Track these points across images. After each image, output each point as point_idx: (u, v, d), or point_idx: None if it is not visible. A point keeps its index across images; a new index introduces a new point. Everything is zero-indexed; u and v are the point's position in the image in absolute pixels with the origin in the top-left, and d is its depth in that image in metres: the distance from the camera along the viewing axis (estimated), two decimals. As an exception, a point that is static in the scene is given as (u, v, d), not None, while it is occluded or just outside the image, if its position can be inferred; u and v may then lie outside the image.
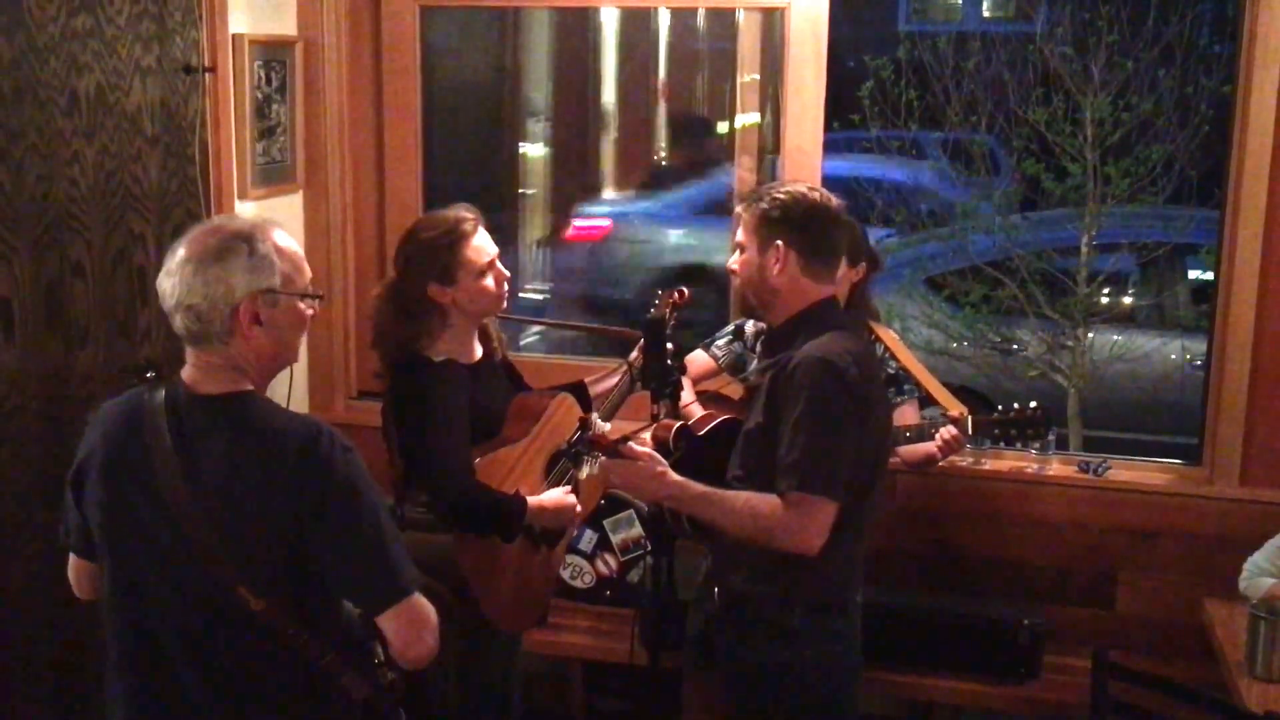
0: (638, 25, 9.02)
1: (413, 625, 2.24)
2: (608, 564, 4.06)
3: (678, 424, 3.10)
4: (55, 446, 3.30)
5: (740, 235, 2.94)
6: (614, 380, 3.41)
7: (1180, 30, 5.76)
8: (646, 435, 3.04)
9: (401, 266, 3.14)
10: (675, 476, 2.84)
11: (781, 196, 2.87)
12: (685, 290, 3.44)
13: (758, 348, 3.51)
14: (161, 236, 3.60)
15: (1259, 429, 3.74)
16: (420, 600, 2.25)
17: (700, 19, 8.55)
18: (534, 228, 8.94)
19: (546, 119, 9.38)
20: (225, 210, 3.80)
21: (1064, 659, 3.70)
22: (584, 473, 2.96)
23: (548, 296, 8.35)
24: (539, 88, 9.31)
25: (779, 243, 2.84)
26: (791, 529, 2.74)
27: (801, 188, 2.92)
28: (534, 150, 9.36)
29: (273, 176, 4.05)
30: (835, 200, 2.95)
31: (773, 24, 4.41)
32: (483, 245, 3.11)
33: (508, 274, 3.16)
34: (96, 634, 2.53)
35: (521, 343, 6.94)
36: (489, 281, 3.10)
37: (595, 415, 3.03)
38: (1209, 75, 5.78)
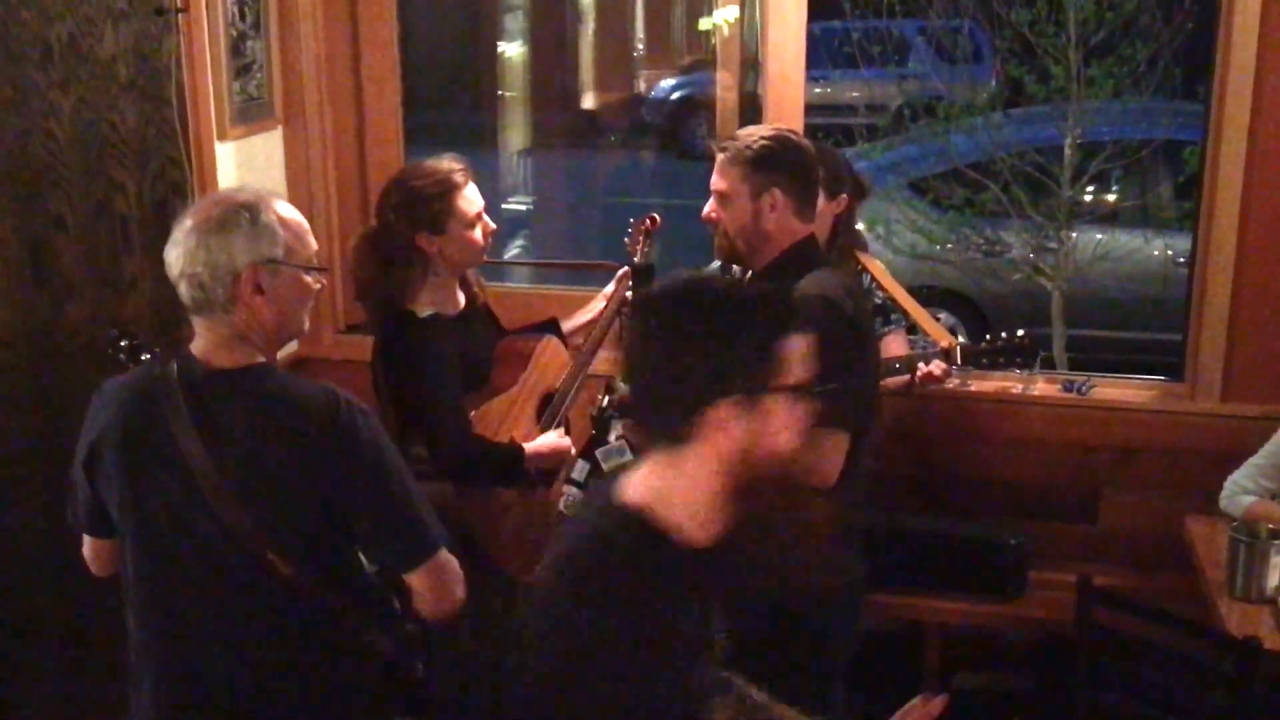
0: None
1: (443, 580, 2.31)
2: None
3: None
4: (49, 401, 3.34)
5: (721, 183, 2.91)
6: (588, 316, 3.44)
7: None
8: None
9: (390, 214, 3.13)
10: None
11: (769, 142, 2.87)
12: (656, 216, 3.48)
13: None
14: (142, 183, 3.58)
15: (1240, 345, 3.76)
16: (447, 555, 2.32)
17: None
18: (514, 132, 8.86)
19: (524, 13, 9.26)
20: (205, 152, 3.76)
21: (1048, 575, 3.78)
22: (613, 436, 3.00)
23: (530, 209, 8.30)
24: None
25: (775, 189, 2.85)
26: (810, 464, 2.74)
27: (782, 130, 2.94)
28: (512, 49, 9.26)
29: (251, 114, 4.00)
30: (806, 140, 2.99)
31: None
32: (473, 197, 3.12)
33: (493, 226, 3.17)
34: (99, 586, 2.58)
35: (505, 255, 6.94)
36: (476, 233, 3.12)
37: (618, 379, 3.05)
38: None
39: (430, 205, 3.07)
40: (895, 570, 3.75)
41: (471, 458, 3.05)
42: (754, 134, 2.91)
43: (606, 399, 3.02)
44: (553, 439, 3.23)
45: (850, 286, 2.92)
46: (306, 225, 2.38)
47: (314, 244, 2.38)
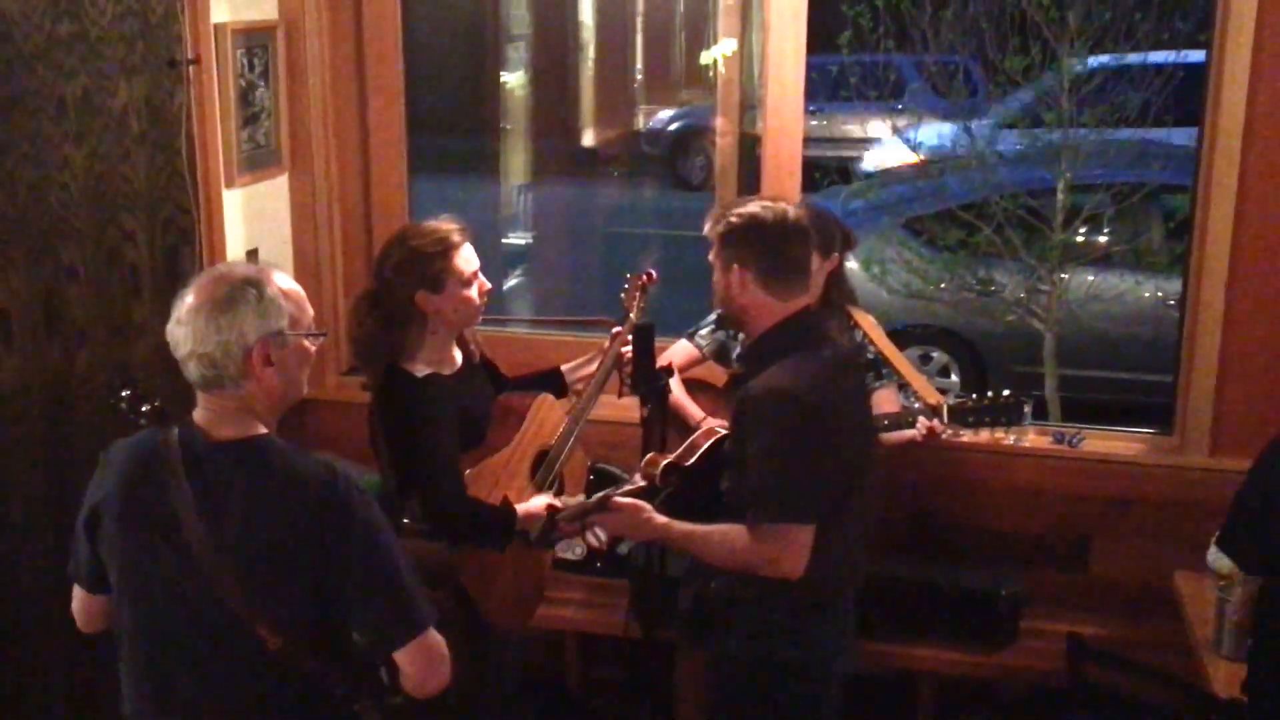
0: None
1: (429, 659, 2.33)
2: (598, 536, 4.14)
3: (665, 461, 3.16)
4: (59, 448, 3.40)
5: (711, 251, 2.98)
6: (591, 368, 3.50)
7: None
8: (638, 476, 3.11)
9: (390, 273, 3.18)
10: (659, 520, 2.92)
11: (735, 219, 2.89)
12: (653, 272, 3.54)
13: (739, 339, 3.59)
14: (152, 231, 3.65)
15: (1229, 400, 3.84)
16: (435, 635, 2.34)
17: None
18: (514, 163, 8.92)
19: (526, 44, 9.33)
20: (213, 199, 3.83)
21: (1039, 625, 3.86)
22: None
23: (529, 243, 8.36)
24: (518, 9, 9.25)
25: (735, 265, 2.88)
26: (768, 559, 2.82)
27: (756, 207, 2.91)
28: (513, 80, 9.33)
29: (258, 162, 4.08)
30: (795, 212, 2.93)
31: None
32: (469, 256, 3.18)
33: (489, 285, 3.24)
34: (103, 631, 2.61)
35: (504, 287, 6.97)
36: (473, 292, 3.18)
37: (559, 501, 3.10)
38: (1185, 20, 5.81)
39: (430, 264, 3.13)
40: (888, 618, 3.82)
41: (465, 519, 3.11)
42: (731, 207, 2.94)
43: (545, 526, 3.04)
44: (546, 501, 3.27)
45: (820, 375, 2.86)
46: (304, 293, 2.43)
47: (311, 310, 2.44)
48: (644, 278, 3.52)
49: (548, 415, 3.36)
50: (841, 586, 3.05)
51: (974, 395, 3.56)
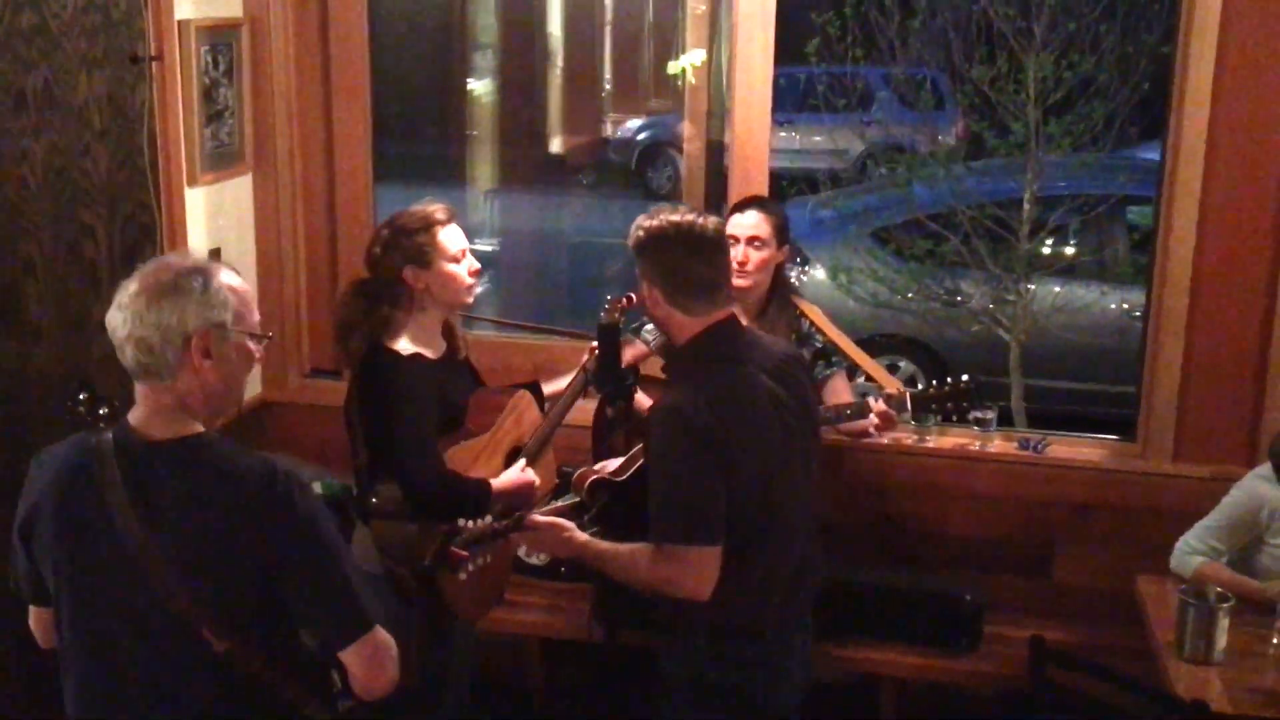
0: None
1: (376, 658, 2.28)
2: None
3: (592, 477, 3.11)
4: (14, 444, 3.34)
5: None
6: (566, 382, 3.49)
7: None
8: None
9: (378, 253, 3.22)
10: (580, 538, 2.86)
11: (640, 233, 2.83)
12: (634, 296, 3.52)
13: None
14: (112, 228, 3.61)
15: (1192, 407, 3.86)
16: (382, 633, 2.29)
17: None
18: (482, 171, 8.90)
19: (494, 51, 9.33)
20: (175, 198, 3.79)
21: (1002, 629, 3.85)
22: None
23: (496, 249, 8.34)
24: (486, 18, 9.24)
25: (645, 280, 2.84)
26: (668, 580, 2.75)
27: (663, 220, 2.83)
28: (480, 87, 9.33)
29: (221, 161, 4.03)
30: (702, 222, 2.82)
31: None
32: (455, 234, 3.23)
33: (478, 266, 3.25)
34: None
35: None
36: (461, 269, 3.19)
37: (462, 521, 3.01)
38: (1150, 32, 5.85)
39: (414, 238, 3.17)
40: (852, 622, 3.81)
41: (441, 490, 3.10)
42: (643, 219, 2.85)
43: (437, 548, 2.93)
44: (517, 474, 3.28)
45: (722, 395, 2.75)
46: (252, 294, 2.38)
47: (258, 314, 2.39)
48: (625, 300, 3.51)
49: (524, 412, 3.39)
50: (768, 614, 2.89)
51: (934, 383, 3.58)
